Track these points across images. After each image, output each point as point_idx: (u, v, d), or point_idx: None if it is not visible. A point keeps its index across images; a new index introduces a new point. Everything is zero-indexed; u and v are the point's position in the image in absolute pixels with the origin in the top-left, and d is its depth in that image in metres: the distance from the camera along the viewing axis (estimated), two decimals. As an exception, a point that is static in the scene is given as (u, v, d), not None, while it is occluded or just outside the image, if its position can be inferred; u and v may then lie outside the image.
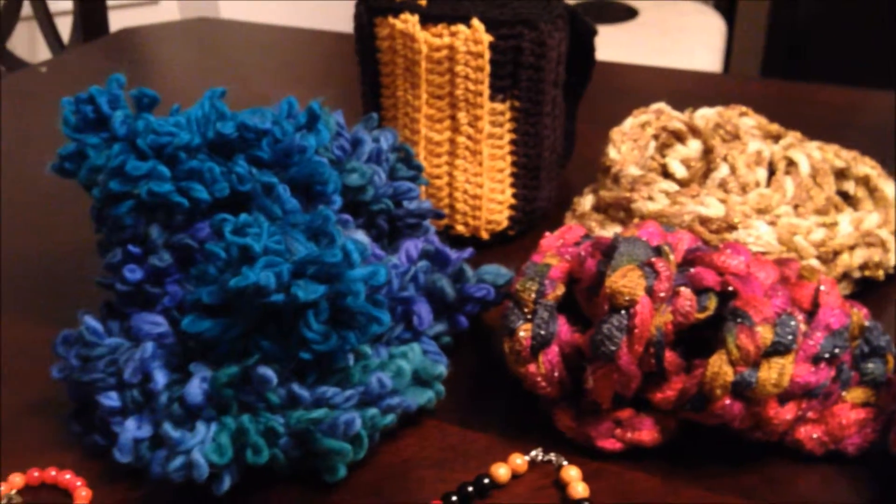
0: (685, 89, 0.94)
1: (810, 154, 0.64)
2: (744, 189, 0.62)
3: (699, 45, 1.96)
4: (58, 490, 0.45)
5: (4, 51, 1.68)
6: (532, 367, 0.47)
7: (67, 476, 0.45)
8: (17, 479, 0.45)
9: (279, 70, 1.04)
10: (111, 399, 0.46)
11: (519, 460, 0.47)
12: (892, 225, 0.58)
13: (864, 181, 0.64)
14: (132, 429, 0.45)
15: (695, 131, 0.66)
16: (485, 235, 0.64)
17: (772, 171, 0.64)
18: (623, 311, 0.44)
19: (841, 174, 0.65)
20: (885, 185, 0.62)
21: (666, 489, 0.46)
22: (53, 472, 0.46)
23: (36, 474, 0.46)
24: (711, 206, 0.56)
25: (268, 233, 0.44)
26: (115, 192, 0.49)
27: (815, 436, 0.47)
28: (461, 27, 0.58)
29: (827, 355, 0.45)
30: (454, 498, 0.45)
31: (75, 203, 0.62)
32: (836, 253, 0.56)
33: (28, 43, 1.77)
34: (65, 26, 1.64)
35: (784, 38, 2.34)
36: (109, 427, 0.46)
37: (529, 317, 0.48)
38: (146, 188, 0.49)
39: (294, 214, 0.47)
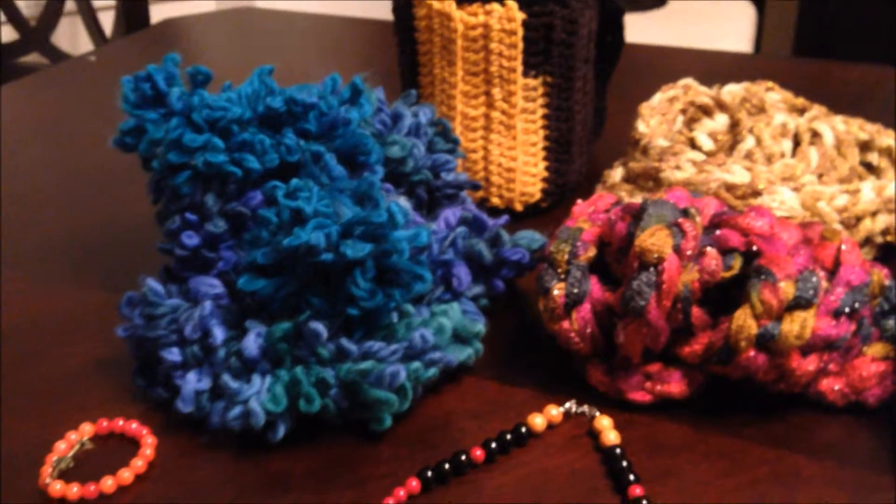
0: (714, 69, 0.96)
1: (834, 126, 0.67)
2: (769, 160, 0.64)
3: (729, 31, 1.97)
4: (125, 439, 0.49)
5: (49, 45, 1.73)
6: (566, 324, 0.50)
7: (134, 425, 0.49)
8: (87, 428, 0.49)
9: (319, 57, 1.08)
10: (173, 354, 0.49)
11: (554, 411, 0.50)
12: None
13: (888, 152, 0.66)
14: (193, 381, 0.48)
15: (722, 106, 0.68)
16: (519, 207, 0.67)
17: (797, 143, 0.66)
18: (651, 268, 0.47)
19: (865, 146, 0.67)
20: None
21: (695, 437, 0.48)
22: (121, 422, 0.49)
23: (105, 424, 0.49)
24: (737, 174, 0.58)
25: (317, 197, 0.47)
26: (173, 164, 0.53)
27: (836, 387, 0.49)
28: (495, 6, 0.60)
29: (847, 310, 0.47)
30: (493, 445, 0.48)
31: (130, 182, 0.65)
32: (859, 218, 0.58)
33: (70, 37, 1.82)
34: (106, 21, 1.69)
35: (815, 23, 2.33)
36: (172, 380, 0.49)
37: (563, 276, 0.50)
38: (202, 159, 0.52)
39: (340, 181, 0.50)
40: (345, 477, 0.47)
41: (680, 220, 0.49)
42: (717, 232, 0.50)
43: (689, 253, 0.48)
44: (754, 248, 0.49)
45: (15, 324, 0.58)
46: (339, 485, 0.46)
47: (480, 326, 0.52)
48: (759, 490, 0.45)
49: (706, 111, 0.68)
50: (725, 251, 0.49)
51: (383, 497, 0.45)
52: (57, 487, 0.45)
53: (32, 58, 1.73)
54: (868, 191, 0.59)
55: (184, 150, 0.52)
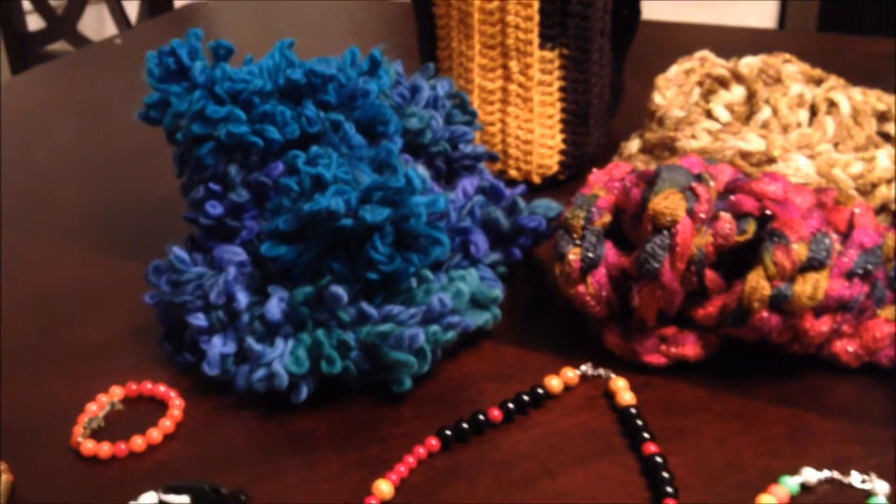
0: (733, 45, 0.96)
1: (851, 96, 0.67)
2: (785, 130, 0.64)
3: (753, 9, 1.96)
4: (154, 401, 0.50)
5: (75, 32, 1.75)
6: (581, 288, 0.51)
7: (162, 388, 0.50)
8: (117, 391, 0.50)
9: (340, 38, 1.09)
10: (199, 319, 0.51)
11: (570, 373, 0.51)
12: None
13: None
14: (218, 345, 0.50)
15: (738, 77, 0.69)
16: (536, 179, 0.67)
17: (813, 114, 0.67)
18: (665, 231, 0.48)
19: (882, 117, 0.67)
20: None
21: (710, 398, 0.49)
22: (149, 385, 0.51)
23: (134, 387, 0.51)
24: (752, 142, 0.59)
25: (336, 164, 0.49)
26: (196, 135, 0.54)
27: (850, 349, 0.50)
28: (512, -21, 0.61)
29: (860, 271, 0.48)
30: (511, 405, 0.49)
31: (157, 158, 0.67)
32: (874, 185, 0.59)
33: (97, 25, 1.84)
34: (131, 9, 1.71)
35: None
36: (198, 345, 0.51)
37: (578, 241, 0.51)
38: (224, 130, 0.53)
39: (359, 149, 0.52)
40: (366, 436, 0.48)
41: (693, 184, 0.49)
42: (732, 197, 0.51)
43: (702, 216, 0.49)
44: (768, 212, 0.50)
45: (50, 292, 0.60)
46: (360, 443, 0.47)
47: (498, 292, 0.53)
48: (772, 447, 0.46)
49: (723, 83, 0.69)
50: (739, 216, 0.50)
51: (404, 455, 0.46)
52: (89, 446, 0.47)
53: (59, 45, 1.76)
54: (884, 158, 0.59)
55: (207, 122, 0.53)
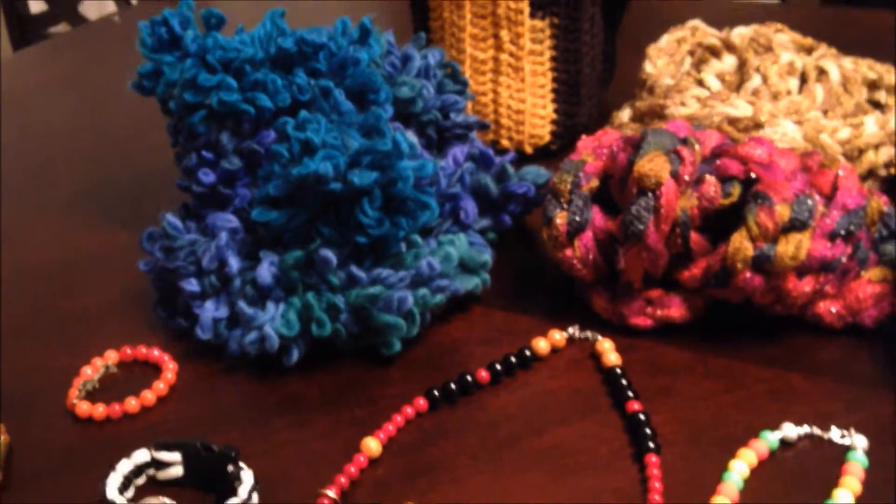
0: (732, 18, 0.96)
1: (841, 64, 0.67)
2: (775, 98, 0.65)
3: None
4: (148, 365, 0.51)
5: (77, 14, 1.76)
6: (568, 252, 0.52)
7: (156, 352, 0.51)
8: (112, 355, 0.51)
9: (334, 11, 1.09)
10: (192, 285, 0.51)
11: (557, 336, 0.51)
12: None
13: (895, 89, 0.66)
14: (211, 310, 0.51)
15: (729, 46, 0.69)
16: (528, 149, 0.68)
17: (804, 82, 0.67)
18: (650, 193, 0.48)
19: (873, 85, 0.67)
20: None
21: (694, 359, 0.50)
22: (144, 349, 0.51)
23: (128, 351, 0.51)
24: (740, 108, 0.59)
25: (325, 129, 0.49)
26: (189, 103, 0.55)
27: (833, 309, 0.50)
28: (502, -52, 0.62)
29: (843, 232, 0.49)
30: (498, 367, 0.50)
31: (153, 132, 0.68)
32: (862, 151, 0.59)
33: (98, 7, 1.85)
34: (132, -11, 1.71)
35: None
36: (191, 310, 0.52)
37: (565, 206, 0.52)
38: (216, 98, 0.54)
39: (349, 115, 0.52)
40: (356, 397, 0.49)
41: (678, 147, 0.50)
42: (717, 161, 0.51)
43: (686, 178, 0.49)
44: (753, 175, 0.50)
45: (48, 262, 0.61)
46: (350, 404, 0.48)
47: (487, 257, 0.54)
48: (755, 405, 0.47)
49: (714, 52, 0.69)
50: (725, 179, 0.50)
51: (392, 414, 0.47)
52: (84, 407, 0.47)
53: (61, 28, 1.76)
54: (871, 124, 0.60)
55: (198, 90, 0.54)
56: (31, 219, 0.67)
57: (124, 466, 0.43)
